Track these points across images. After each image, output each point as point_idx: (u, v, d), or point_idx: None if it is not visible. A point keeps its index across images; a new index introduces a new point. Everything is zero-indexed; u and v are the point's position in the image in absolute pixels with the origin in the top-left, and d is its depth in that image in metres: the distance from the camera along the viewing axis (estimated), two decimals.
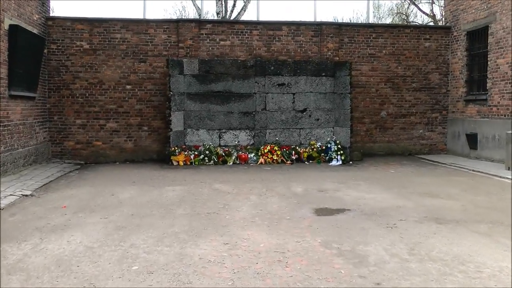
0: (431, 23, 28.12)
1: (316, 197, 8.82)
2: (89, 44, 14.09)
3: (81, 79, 14.06)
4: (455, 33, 15.49)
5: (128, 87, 14.19)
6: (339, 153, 13.63)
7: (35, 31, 12.73)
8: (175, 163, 13.22)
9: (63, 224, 6.80)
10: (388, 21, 31.65)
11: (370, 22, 16.01)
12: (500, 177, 10.92)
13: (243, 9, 22.77)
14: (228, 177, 11.18)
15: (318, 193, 9.16)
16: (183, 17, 13.80)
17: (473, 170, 12.03)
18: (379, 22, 28.64)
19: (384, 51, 15.28)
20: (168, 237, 6.14)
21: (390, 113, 15.37)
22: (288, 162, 13.55)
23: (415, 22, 30.56)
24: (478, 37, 14.50)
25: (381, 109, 15.31)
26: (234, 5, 23.98)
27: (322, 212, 7.61)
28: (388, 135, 15.36)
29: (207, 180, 10.64)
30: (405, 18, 31.24)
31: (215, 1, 22.21)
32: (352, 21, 25.94)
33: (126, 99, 14.18)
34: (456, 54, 15.37)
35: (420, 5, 30.59)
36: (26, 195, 8.94)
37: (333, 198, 8.72)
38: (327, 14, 39.41)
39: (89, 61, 14.09)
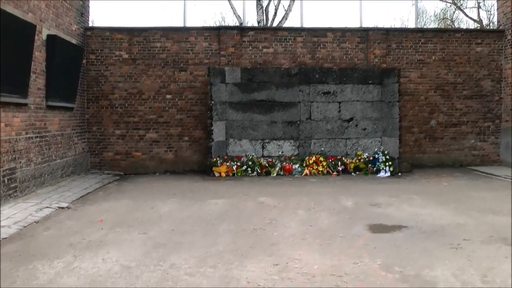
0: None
1: (368, 212, 8.22)
2: (128, 54, 13.81)
3: (120, 89, 13.77)
4: (509, 37, 14.66)
5: (168, 96, 13.83)
6: (387, 164, 12.95)
7: (73, 41, 12.50)
8: (216, 175, 12.76)
9: (99, 240, 6.38)
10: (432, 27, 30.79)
11: (417, 27, 15.32)
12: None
13: (285, 17, 22.27)
14: (273, 189, 10.65)
15: (369, 208, 8.55)
16: (225, 25, 13.38)
17: None
18: (428, 27, 27.66)
19: (433, 57, 14.55)
20: (211, 256, 5.65)
21: (440, 122, 14.60)
22: (334, 173, 12.94)
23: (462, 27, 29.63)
24: None
25: (430, 118, 14.57)
26: (275, 14, 23.47)
27: (377, 229, 7.00)
28: (438, 146, 14.59)
29: (251, 193, 10.13)
30: (451, 24, 30.29)
31: (255, 10, 21.83)
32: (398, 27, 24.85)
33: (166, 108, 13.82)
34: (511, 59, 14.52)
35: (466, 10, 29.72)
36: (63, 208, 8.61)
37: (386, 213, 8.10)
38: (372, 20, 38.55)
39: (128, 71, 13.80)
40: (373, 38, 14.21)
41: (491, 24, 26.16)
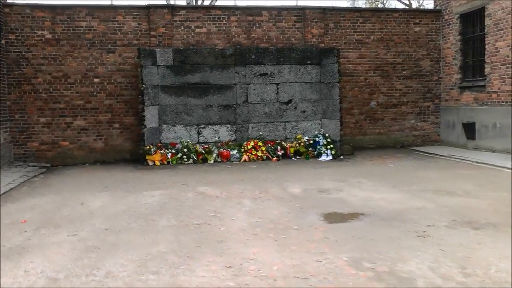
0: None
1: (319, 199, 7.75)
2: (51, 34, 12.77)
3: (44, 72, 12.74)
4: (446, 17, 14.56)
5: (96, 80, 12.92)
6: (328, 147, 12.60)
7: None
8: (150, 163, 12.04)
9: (21, 246, 5.53)
10: None
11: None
12: (510, 168, 10.02)
13: None
14: (212, 177, 10.05)
15: (319, 195, 8.09)
16: (154, 3, 12.55)
17: (477, 162, 11.09)
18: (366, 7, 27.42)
19: (372, 37, 14.28)
20: (153, 259, 4.95)
21: (380, 103, 14.40)
22: (274, 158, 12.48)
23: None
24: (473, 20, 13.60)
25: (370, 99, 14.33)
26: None
27: (333, 218, 6.52)
28: (378, 127, 14.39)
29: (190, 182, 9.49)
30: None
31: None
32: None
33: (94, 93, 12.91)
34: (448, 39, 14.45)
35: None
36: None
37: (338, 200, 7.66)
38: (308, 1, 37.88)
39: (52, 53, 12.77)
40: (310, 17, 13.75)
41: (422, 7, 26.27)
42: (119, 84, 12.97)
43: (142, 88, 12.24)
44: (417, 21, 14.64)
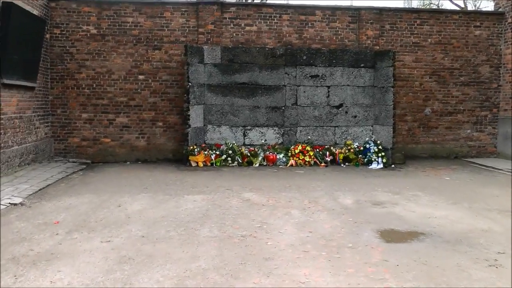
0: None
1: (373, 213, 7.13)
2: (97, 29, 12.44)
3: (88, 68, 12.42)
4: (509, 20, 13.66)
5: (141, 77, 12.53)
6: (380, 155, 11.92)
7: (34, 12, 11.12)
8: (193, 164, 11.58)
9: (50, 252, 5.13)
10: None
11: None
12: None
13: None
14: (258, 183, 9.51)
15: (373, 208, 7.46)
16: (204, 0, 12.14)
17: None
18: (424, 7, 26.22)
19: (429, 40, 13.49)
20: (192, 277, 4.46)
21: (434, 110, 13.59)
22: (322, 164, 11.86)
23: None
24: None
25: (425, 106, 13.54)
26: None
27: (390, 236, 5.90)
28: (432, 135, 13.59)
29: (233, 187, 8.98)
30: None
31: None
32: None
33: (139, 90, 12.53)
34: (511, 44, 13.54)
35: None
36: (15, 204, 7.34)
37: (394, 215, 7.02)
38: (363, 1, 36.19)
39: (97, 48, 12.45)
40: (366, 18, 13.06)
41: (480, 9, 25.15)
42: (164, 81, 12.54)
43: (188, 86, 11.79)
44: (478, 24, 13.78)
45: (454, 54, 13.64)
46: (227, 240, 5.64)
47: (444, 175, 10.83)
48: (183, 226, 6.26)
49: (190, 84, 11.81)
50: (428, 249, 5.40)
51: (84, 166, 11.55)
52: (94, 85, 12.44)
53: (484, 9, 18.84)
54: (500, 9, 14.18)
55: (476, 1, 29.48)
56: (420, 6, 28.99)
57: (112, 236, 5.77)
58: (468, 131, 13.78)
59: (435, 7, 29.20)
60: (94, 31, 12.45)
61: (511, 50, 13.51)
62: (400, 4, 28.45)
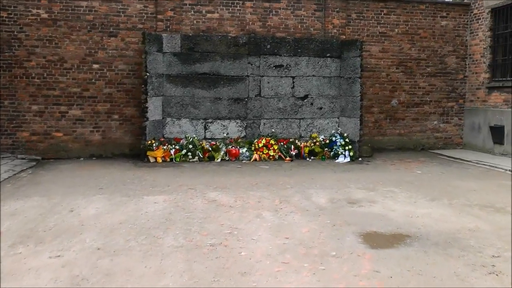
0: None
1: (351, 213, 6.71)
2: (48, 13, 11.58)
3: (38, 55, 11.57)
4: (475, 11, 13.47)
5: (95, 66, 11.77)
6: (346, 148, 11.57)
7: None
8: (152, 160, 10.97)
9: None
10: None
11: None
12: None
13: None
14: (222, 180, 8.97)
15: (350, 207, 7.04)
16: None
17: (511, 171, 10.11)
18: None
19: (396, 30, 13.18)
20: None
21: (402, 101, 13.33)
22: (287, 158, 11.42)
23: None
24: (506, 15, 12.50)
25: (392, 97, 13.26)
26: None
27: (375, 241, 5.45)
28: (399, 127, 13.33)
29: (197, 186, 8.41)
30: None
31: None
32: None
33: (93, 81, 11.76)
34: (477, 35, 13.37)
35: None
36: None
37: (374, 215, 6.61)
38: None
39: (48, 34, 11.60)
40: (332, 6, 12.62)
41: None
42: (120, 71, 11.82)
43: (146, 76, 11.11)
44: (444, 14, 13.55)
45: (421, 45, 13.38)
46: (196, 251, 5.07)
47: (415, 168, 10.56)
48: (144, 233, 5.66)
49: (148, 74, 11.14)
50: (419, 255, 4.98)
51: (34, 163, 10.77)
52: (45, 74, 11.61)
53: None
54: (466, 0, 13.97)
55: None
56: None
57: (63, 249, 5.10)
58: (435, 122, 13.58)
59: None
60: (45, 15, 11.59)
61: (478, 41, 13.34)
62: None
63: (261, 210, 6.81)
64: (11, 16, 11.45)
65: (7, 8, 11.42)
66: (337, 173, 9.86)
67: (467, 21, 13.72)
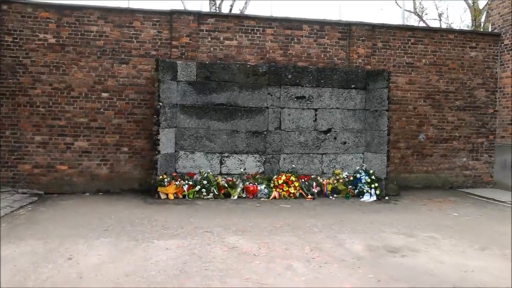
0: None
1: (394, 265, 5.89)
2: (55, 38, 10.91)
3: (44, 82, 10.84)
4: (506, 41, 12.73)
5: (105, 95, 11.02)
6: (372, 186, 10.70)
7: None
8: (162, 196, 10.12)
9: None
10: None
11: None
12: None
13: (245, 7, 19.54)
14: (241, 221, 8.11)
15: (392, 257, 6.21)
16: (179, 9, 10.82)
17: None
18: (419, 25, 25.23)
19: (423, 60, 12.43)
20: None
21: (429, 136, 12.48)
22: (308, 196, 10.55)
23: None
24: None
25: (419, 131, 12.42)
26: (230, 10, 20.30)
27: None
28: (427, 164, 12.45)
29: (214, 228, 7.57)
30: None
31: (208, 7, 18.48)
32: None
33: (102, 110, 11.00)
34: (508, 67, 12.61)
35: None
36: None
37: (422, 268, 5.78)
38: (352, 15, 34.94)
39: (55, 60, 10.90)
40: (357, 35, 11.90)
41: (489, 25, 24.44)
42: (131, 100, 11.06)
43: (158, 106, 10.34)
44: (473, 44, 12.81)
45: (450, 76, 12.61)
46: None
47: (448, 209, 9.70)
48: None
49: (161, 104, 10.37)
50: None
51: (36, 199, 9.93)
52: (51, 103, 10.86)
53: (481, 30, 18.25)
54: (496, 30, 13.27)
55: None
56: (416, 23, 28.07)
57: None
58: (464, 159, 12.70)
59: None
60: (53, 40, 10.91)
61: (509, 73, 12.57)
62: (394, 20, 27.53)
63: (290, 260, 5.96)
64: (16, 40, 10.77)
65: (12, 32, 10.76)
66: (366, 214, 9.00)
67: (497, 52, 12.97)
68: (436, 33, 12.70)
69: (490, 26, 13.93)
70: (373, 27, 12.12)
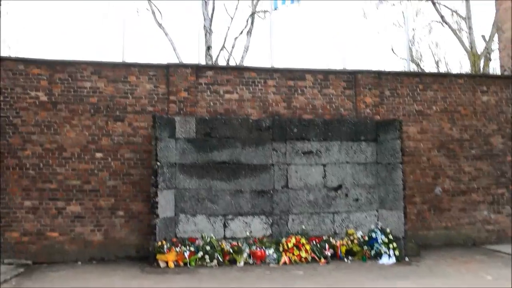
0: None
1: None
2: (47, 95, 10.35)
3: (34, 143, 10.19)
4: None
5: (99, 155, 10.33)
6: (390, 246, 9.84)
7: None
8: (162, 265, 9.30)
9: None
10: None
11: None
12: None
13: (241, 61, 19.09)
14: None
15: None
16: (176, 62, 10.39)
17: None
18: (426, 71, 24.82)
19: (434, 107, 11.82)
20: None
21: (446, 189, 11.70)
22: (322, 260, 9.69)
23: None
24: None
25: (435, 184, 11.65)
26: (227, 64, 19.67)
27: None
28: (445, 219, 11.61)
29: None
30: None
31: (204, 61, 17.83)
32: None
33: (95, 171, 10.28)
34: None
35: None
36: None
37: None
38: (357, 63, 34.16)
39: (47, 119, 10.30)
40: (363, 83, 11.34)
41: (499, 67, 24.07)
42: (127, 160, 10.36)
43: (156, 166, 9.63)
44: (484, 88, 12.23)
45: (463, 123, 11.96)
46: None
47: (478, 271, 8.83)
48: None
49: (158, 163, 9.67)
50: None
51: (22, 270, 9.10)
52: (41, 165, 10.16)
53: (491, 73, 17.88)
54: (506, 72, 12.74)
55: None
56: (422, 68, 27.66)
57: None
58: (485, 212, 11.87)
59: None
60: (44, 98, 10.34)
61: None
62: (399, 67, 27.34)
63: None
64: (7, 99, 10.23)
65: (3, 91, 10.24)
66: (390, 280, 8.18)
67: (510, 96, 12.38)
68: (445, 78, 12.15)
69: (489, 70, 13.41)
70: (379, 75, 11.58)
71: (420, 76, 12.10)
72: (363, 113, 11.27)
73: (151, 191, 9.66)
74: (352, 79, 11.43)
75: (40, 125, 10.29)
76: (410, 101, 11.72)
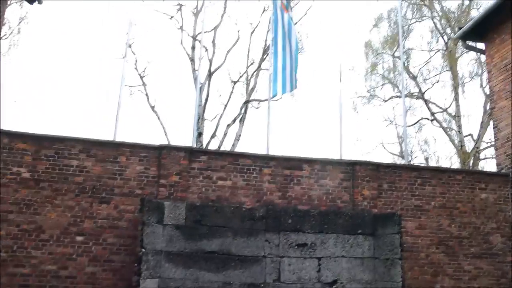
0: None
1: None
2: (30, 172, 9.80)
3: (10, 223, 9.49)
4: None
5: (79, 238, 9.64)
6: None
7: None
8: None
9: None
10: None
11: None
12: None
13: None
14: None
15: None
16: (169, 144, 10.16)
17: None
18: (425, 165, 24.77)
19: (433, 203, 11.47)
20: None
21: (445, 287, 11.10)
22: None
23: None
24: None
25: (434, 283, 11.03)
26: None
27: None
28: None
29: None
30: None
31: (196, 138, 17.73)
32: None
33: (74, 256, 9.54)
34: None
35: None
36: None
37: None
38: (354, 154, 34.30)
39: (27, 197, 9.68)
40: (361, 175, 11.04)
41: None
42: (109, 245, 9.68)
43: (141, 253, 8.97)
44: (483, 186, 11.97)
45: (461, 220, 11.58)
46: None
47: None
48: None
49: (143, 250, 9.01)
50: None
51: None
52: (15, 247, 9.41)
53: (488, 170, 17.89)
54: (503, 171, 12.58)
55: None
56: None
57: None
58: None
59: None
60: (27, 175, 9.79)
61: None
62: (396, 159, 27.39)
63: None
64: None
65: None
66: None
67: (508, 194, 12.12)
68: (444, 173, 11.92)
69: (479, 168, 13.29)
70: (377, 167, 11.32)
71: (418, 170, 11.86)
72: (361, 205, 10.87)
73: (133, 280, 8.93)
74: (350, 170, 11.13)
75: (19, 204, 9.66)
76: (408, 195, 11.38)
